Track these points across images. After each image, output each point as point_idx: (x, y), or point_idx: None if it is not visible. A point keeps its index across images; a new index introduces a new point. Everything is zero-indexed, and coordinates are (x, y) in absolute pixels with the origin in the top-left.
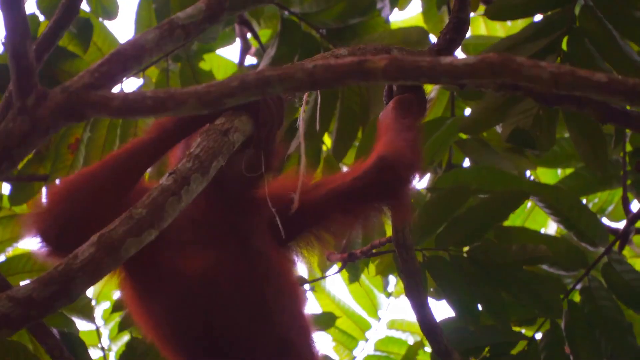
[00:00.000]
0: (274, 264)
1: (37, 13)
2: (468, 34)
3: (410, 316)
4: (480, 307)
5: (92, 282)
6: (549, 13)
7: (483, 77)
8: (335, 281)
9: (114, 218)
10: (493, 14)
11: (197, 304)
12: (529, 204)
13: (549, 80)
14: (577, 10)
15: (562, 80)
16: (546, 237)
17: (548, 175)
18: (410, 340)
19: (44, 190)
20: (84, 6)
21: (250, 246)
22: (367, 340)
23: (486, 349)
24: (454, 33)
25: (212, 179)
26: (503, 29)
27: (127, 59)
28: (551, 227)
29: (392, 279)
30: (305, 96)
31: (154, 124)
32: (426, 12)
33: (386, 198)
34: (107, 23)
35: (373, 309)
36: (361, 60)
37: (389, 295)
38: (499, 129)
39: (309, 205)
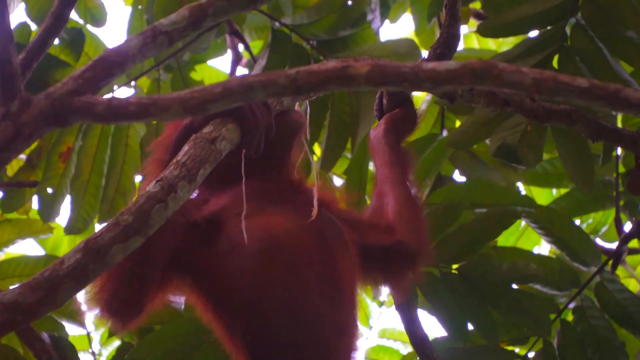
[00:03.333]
0: (343, 236)
1: (28, 21)
2: (460, 48)
3: (402, 326)
4: (471, 326)
5: (79, 288)
6: (541, 31)
7: (465, 83)
8: None
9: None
10: (485, 32)
11: (271, 269)
12: (522, 224)
13: (531, 86)
14: (568, 29)
15: (544, 85)
16: (539, 256)
17: (543, 195)
18: (402, 350)
19: (35, 197)
20: (74, 15)
21: (322, 214)
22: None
23: None
24: (444, 48)
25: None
26: (495, 43)
27: (111, 65)
28: (544, 247)
29: (385, 289)
30: (296, 106)
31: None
32: (418, 27)
33: (393, 276)
34: (99, 33)
35: (365, 317)
36: (344, 65)
37: (381, 304)
38: (489, 141)
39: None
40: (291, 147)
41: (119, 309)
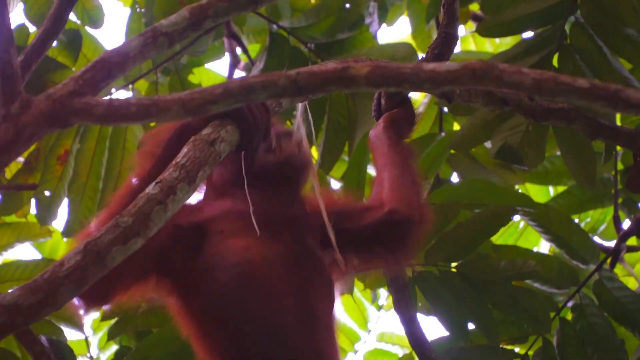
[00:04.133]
0: (322, 264)
1: (26, 22)
2: (457, 50)
3: (400, 329)
4: (471, 325)
5: (79, 290)
6: (540, 30)
7: (465, 83)
8: None
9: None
10: (484, 32)
11: (244, 294)
12: (522, 223)
13: (532, 87)
14: (567, 28)
15: (544, 86)
16: (538, 254)
17: (540, 194)
18: (400, 354)
19: (33, 200)
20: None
21: (304, 242)
22: (356, 352)
23: None
24: (442, 48)
25: (269, 175)
26: (492, 45)
27: (111, 66)
28: (543, 247)
29: (384, 292)
30: (300, 109)
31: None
32: (415, 30)
33: (395, 250)
34: (97, 35)
35: (363, 321)
36: (344, 66)
37: (379, 308)
38: (487, 144)
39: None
40: (298, 188)
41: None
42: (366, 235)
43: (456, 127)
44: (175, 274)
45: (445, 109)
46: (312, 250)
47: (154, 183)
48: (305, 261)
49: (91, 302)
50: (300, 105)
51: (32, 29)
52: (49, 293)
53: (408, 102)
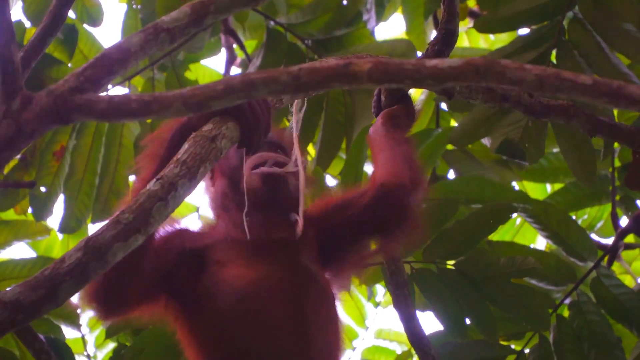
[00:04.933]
0: (319, 283)
1: (24, 19)
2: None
3: (398, 326)
4: (468, 321)
5: (79, 287)
6: (538, 26)
7: (468, 79)
8: None
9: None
10: (482, 27)
11: (241, 322)
12: (518, 220)
13: (534, 83)
14: (566, 23)
15: (547, 82)
16: (535, 251)
17: (537, 191)
18: (398, 350)
19: (29, 196)
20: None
21: (298, 264)
22: (354, 349)
23: None
24: (443, 44)
25: (261, 199)
26: (486, 42)
27: (113, 62)
28: (540, 244)
29: (381, 289)
30: (295, 106)
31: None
32: (409, 26)
33: (395, 223)
34: (93, 31)
35: (361, 318)
36: (346, 63)
37: (377, 304)
38: (484, 141)
39: (333, 227)
40: (290, 209)
41: (104, 298)
42: (364, 217)
43: (453, 123)
44: (180, 297)
45: (443, 106)
46: (308, 269)
47: (154, 179)
48: (301, 282)
49: (109, 309)
50: (295, 107)
51: (27, 25)
52: (49, 290)
53: (408, 98)
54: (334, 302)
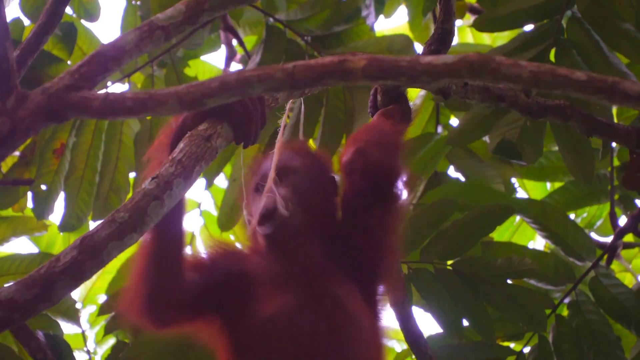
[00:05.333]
0: (352, 312)
1: (21, 16)
2: (454, 42)
3: (396, 324)
4: (466, 322)
5: (75, 285)
6: (537, 24)
7: (462, 76)
8: None
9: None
10: (480, 26)
11: (270, 350)
12: (517, 219)
13: (529, 79)
14: (564, 22)
15: (541, 78)
16: (534, 251)
17: (537, 190)
18: (397, 348)
19: (29, 194)
20: (67, 10)
21: (325, 292)
22: None
23: None
24: (439, 44)
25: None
26: (490, 37)
27: (108, 60)
28: (539, 243)
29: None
30: (288, 105)
31: None
32: (412, 21)
33: (377, 193)
34: (93, 28)
35: None
36: (341, 59)
37: None
38: (485, 137)
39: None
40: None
41: (151, 311)
42: (355, 193)
43: (453, 120)
44: (223, 316)
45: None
46: (336, 297)
47: (150, 178)
48: (337, 312)
49: (155, 325)
50: (287, 107)
51: (26, 22)
52: (45, 288)
53: (404, 97)
54: (372, 329)
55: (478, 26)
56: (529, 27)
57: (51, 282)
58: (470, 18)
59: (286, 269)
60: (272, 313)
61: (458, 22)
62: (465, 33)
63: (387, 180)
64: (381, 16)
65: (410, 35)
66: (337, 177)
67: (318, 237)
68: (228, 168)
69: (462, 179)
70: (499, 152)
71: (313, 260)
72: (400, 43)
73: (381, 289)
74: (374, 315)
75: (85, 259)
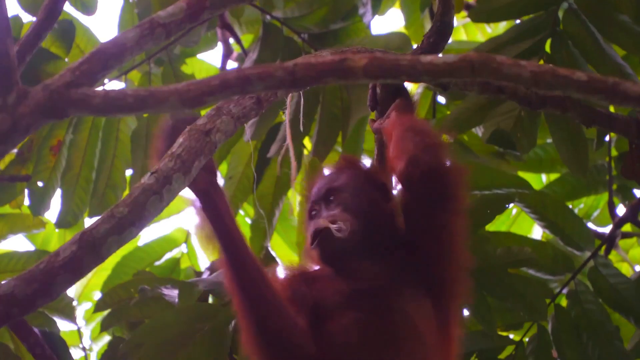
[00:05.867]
0: (418, 327)
1: (20, 11)
2: (449, 40)
3: None
4: (466, 312)
5: (74, 281)
6: (533, 15)
7: (463, 75)
8: None
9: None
10: (476, 17)
11: None
12: (514, 210)
13: (529, 79)
14: (560, 13)
15: (542, 79)
16: (533, 241)
17: (533, 181)
18: None
19: (26, 191)
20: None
21: (394, 310)
22: None
23: (474, 355)
24: (438, 36)
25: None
26: (483, 36)
27: (108, 57)
28: (536, 233)
29: None
30: (288, 100)
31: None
32: (408, 19)
33: (440, 196)
34: (90, 26)
35: None
36: (342, 58)
37: None
38: (478, 132)
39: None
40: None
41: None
42: (418, 201)
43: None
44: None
45: (440, 99)
46: (410, 313)
47: (149, 173)
48: (402, 328)
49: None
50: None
51: (25, 18)
52: (44, 283)
53: (405, 91)
54: (441, 344)
55: (474, 17)
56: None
57: (50, 277)
58: (465, 16)
59: (349, 286)
60: (337, 331)
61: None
62: (459, 32)
63: (446, 181)
64: (376, 16)
65: (406, 33)
66: (388, 182)
67: (380, 249)
68: (224, 166)
69: None
70: (493, 141)
71: (376, 274)
72: (398, 41)
73: (453, 298)
74: (444, 329)
75: (84, 254)
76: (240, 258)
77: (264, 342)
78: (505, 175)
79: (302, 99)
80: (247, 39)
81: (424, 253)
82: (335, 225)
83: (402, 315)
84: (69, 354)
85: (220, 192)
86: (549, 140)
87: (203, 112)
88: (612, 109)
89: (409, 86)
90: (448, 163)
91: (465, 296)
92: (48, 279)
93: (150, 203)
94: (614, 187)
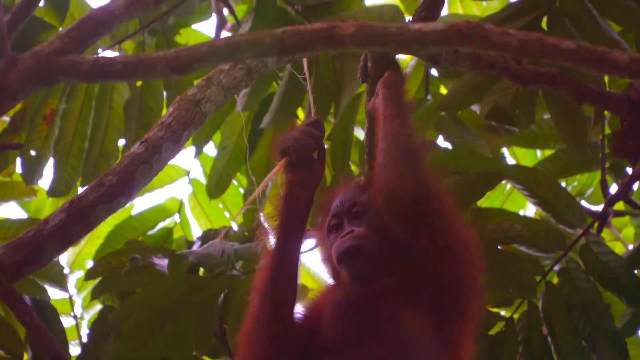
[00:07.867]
0: (417, 342)
1: None
2: (444, 13)
3: None
4: None
5: (63, 249)
6: None
7: (452, 43)
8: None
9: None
10: None
11: None
12: (508, 186)
13: (518, 48)
14: None
15: (530, 47)
16: (524, 218)
17: (527, 157)
18: None
19: (18, 159)
20: None
21: (401, 336)
22: None
23: None
24: (429, 11)
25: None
26: (479, 8)
27: (98, 24)
28: (530, 210)
29: None
30: (305, 66)
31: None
32: None
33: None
34: None
35: None
36: (330, 26)
37: None
38: (474, 107)
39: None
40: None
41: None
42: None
43: (443, 90)
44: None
45: (433, 72)
46: (417, 333)
47: (139, 142)
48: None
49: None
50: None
51: None
52: (33, 251)
53: (396, 63)
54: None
55: None
56: None
57: (39, 245)
58: None
59: (364, 300)
60: (337, 342)
61: None
62: (456, 5)
63: (427, 209)
64: None
65: (401, 6)
66: None
67: (396, 267)
68: (217, 136)
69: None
70: (491, 117)
71: (388, 290)
72: (390, 14)
73: (461, 317)
74: (450, 347)
75: (73, 222)
76: (289, 260)
77: (268, 340)
78: (496, 163)
79: (306, 64)
80: (241, 9)
81: (427, 272)
82: (364, 244)
83: (400, 329)
84: (60, 321)
85: (312, 195)
86: (546, 116)
87: (195, 82)
88: (607, 86)
89: (402, 58)
90: (428, 188)
91: (476, 316)
92: (37, 246)
93: (139, 172)
94: (607, 165)
